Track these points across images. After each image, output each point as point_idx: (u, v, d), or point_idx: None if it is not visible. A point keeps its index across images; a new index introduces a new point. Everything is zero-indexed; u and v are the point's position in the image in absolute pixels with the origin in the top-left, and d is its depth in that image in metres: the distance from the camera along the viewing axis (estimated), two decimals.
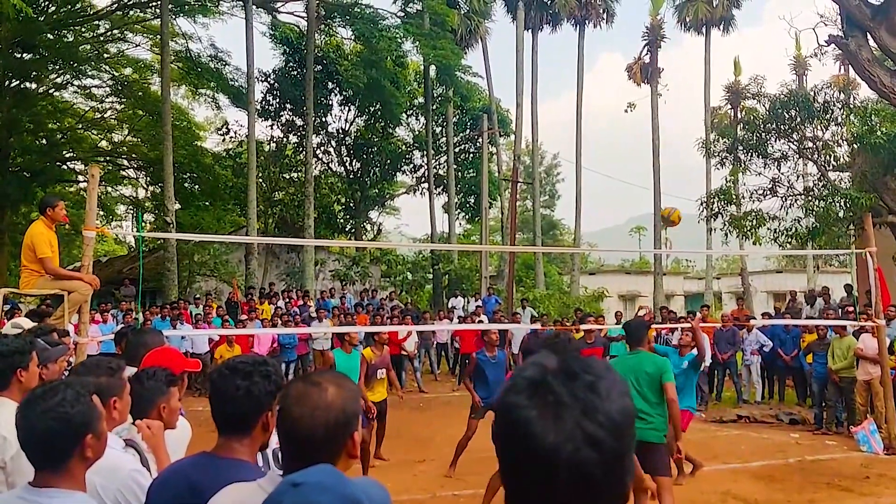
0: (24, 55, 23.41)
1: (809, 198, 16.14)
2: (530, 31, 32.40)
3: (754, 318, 15.52)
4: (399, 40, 27.21)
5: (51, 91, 26.05)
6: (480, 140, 30.53)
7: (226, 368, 2.15)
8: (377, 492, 1.46)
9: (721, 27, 33.21)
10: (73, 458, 2.04)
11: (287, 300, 18.61)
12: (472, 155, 34.09)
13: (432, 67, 29.18)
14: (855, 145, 15.17)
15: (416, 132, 34.20)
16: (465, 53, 32.20)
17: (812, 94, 15.78)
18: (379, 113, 31.01)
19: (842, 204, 14.90)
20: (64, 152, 26.70)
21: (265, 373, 2.13)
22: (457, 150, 32.88)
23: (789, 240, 16.22)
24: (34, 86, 25.08)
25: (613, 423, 1.01)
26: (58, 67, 24.98)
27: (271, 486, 1.68)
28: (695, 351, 7.88)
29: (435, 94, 31.42)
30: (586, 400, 1.02)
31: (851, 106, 15.42)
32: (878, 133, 14.13)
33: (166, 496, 2.09)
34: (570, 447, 0.99)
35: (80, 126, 27.27)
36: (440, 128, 32.81)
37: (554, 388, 1.03)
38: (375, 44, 25.87)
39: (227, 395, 2.08)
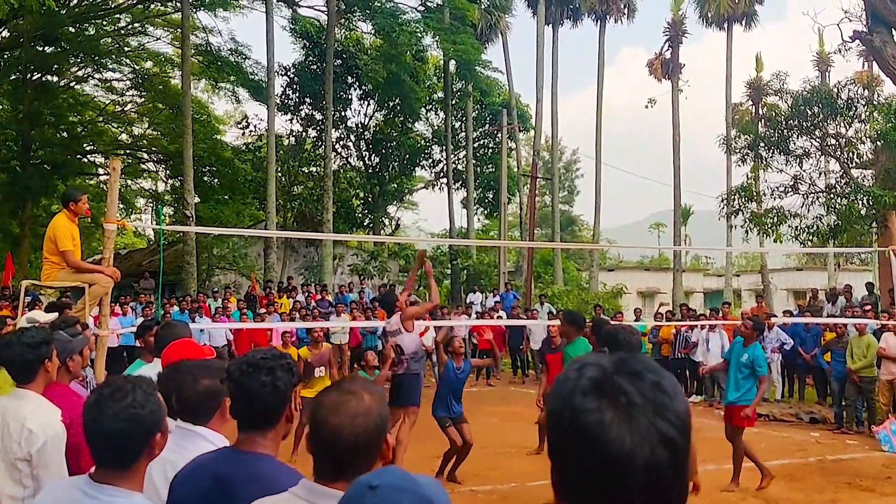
0: (46, 48, 23.67)
1: (831, 195, 15.94)
2: (551, 25, 32.21)
3: (775, 316, 15.37)
4: (419, 35, 27.17)
5: (72, 84, 26.32)
6: (500, 135, 30.43)
7: (247, 365, 2.12)
8: (441, 492, 1.44)
9: (743, 23, 32.84)
10: (142, 457, 2.06)
11: (306, 294, 18.68)
12: (491, 150, 33.99)
13: (452, 62, 29.12)
14: (878, 142, 14.97)
15: (436, 127, 34.16)
16: (485, 48, 32.12)
17: (835, 90, 15.59)
18: (398, 107, 30.99)
19: (864, 201, 14.70)
20: (84, 145, 26.96)
21: (287, 366, 2.14)
22: (476, 145, 32.81)
23: (810, 237, 16.05)
24: (55, 79, 25.35)
25: (682, 422, 1.01)
26: (79, 60, 25.23)
27: (305, 493, 1.70)
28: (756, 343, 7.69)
29: (454, 89, 31.36)
30: (656, 400, 1.00)
31: (875, 103, 15.22)
32: None
33: (190, 489, 2.10)
34: (648, 449, 0.97)
35: (100, 119, 27.52)
36: (459, 123, 32.74)
37: (624, 389, 1.01)
38: (395, 38, 25.83)
39: (253, 392, 2.07)
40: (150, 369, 4.03)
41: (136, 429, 2.02)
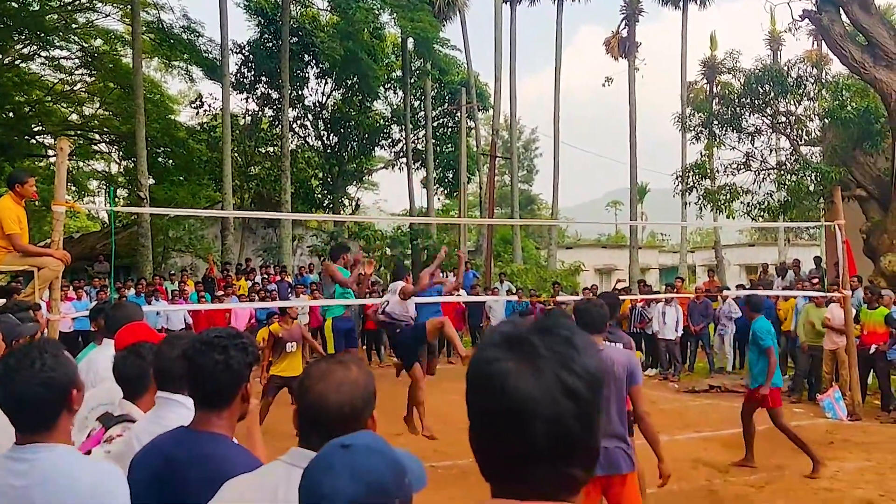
0: None
1: (782, 172, 16.35)
2: (509, 4, 32.17)
3: (728, 289, 15.78)
4: (376, 11, 26.89)
5: (17, 62, 25.42)
6: (459, 114, 30.40)
7: (201, 343, 2.13)
8: (414, 461, 1.49)
9: (698, 1, 33.22)
10: (62, 415, 2.07)
11: (265, 276, 18.53)
12: (450, 129, 33.93)
13: (410, 40, 28.92)
14: (826, 120, 15.38)
15: (394, 106, 33.94)
16: (444, 26, 31.92)
17: (786, 69, 15.92)
18: (356, 86, 30.68)
19: (812, 178, 15.13)
20: (32, 126, 26.17)
21: (241, 345, 2.14)
22: (435, 124, 32.71)
23: (762, 213, 16.45)
24: None
25: (590, 376, 1.03)
26: (23, 38, 24.34)
27: (290, 457, 1.74)
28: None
29: (413, 68, 31.17)
30: (564, 353, 1.03)
31: (823, 81, 15.60)
32: (849, 108, 14.34)
33: (144, 471, 2.11)
34: (549, 398, 0.99)
35: (48, 99, 26.66)
36: (418, 102, 32.59)
37: (531, 341, 1.04)
38: (352, 15, 25.53)
39: (206, 371, 2.08)
40: (103, 351, 4.01)
41: (52, 392, 2.03)
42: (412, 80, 31.17)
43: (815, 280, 12.75)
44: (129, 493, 2.03)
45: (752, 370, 7.55)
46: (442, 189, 35.32)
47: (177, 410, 2.42)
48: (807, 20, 15.12)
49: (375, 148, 35.13)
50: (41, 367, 2.03)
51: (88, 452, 2.88)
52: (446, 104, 33.46)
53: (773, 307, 13.64)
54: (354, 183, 36.69)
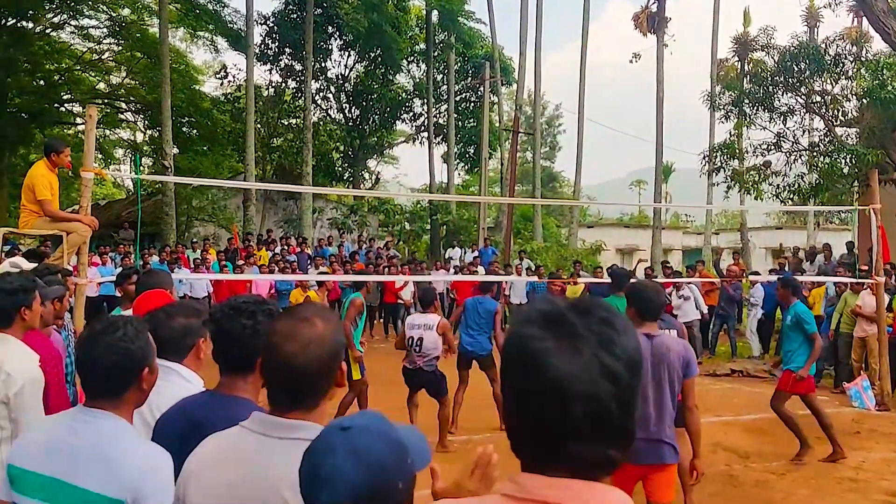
0: None
1: (814, 153, 15.96)
2: None
3: (756, 273, 15.53)
4: None
5: (48, 31, 25.59)
6: (482, 89, 30.07)
7: (229, 308, 2.17)
8: (417, 437, 1.47)
9: None
10: (130, 389, 2.13)
11: (285, 247, 18.59)
12: (472, 104, 33.62)
13: (434, 12, 28.62)
14: (864, 100, 14.89)
15: (417, 80, 33.68)
16: None
17: (823, 46, 15.43)
18: (379, 59, 30.48)
19: (847, 160, 14.73)
20: (62, 94, 26.41)
21: (268, 311, 2.16)
22: (457, 98, 32.42)
23: (791, 196, 16.11)
24: (31, 25, 24.62)
25: (629, 358, 1.03)
26: (54, 6, 24.49)
27: (257, 426, 1.69)
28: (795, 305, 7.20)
29: (437, 41, 30.86)
30: (603, 333, 1.03)
31: (863, 59, 15.09)
32: (889, 88, 13.84)
33: (169, 432, 2.14)
34: (587, 377, 0.99)
35: (77, 67, 26.88)
36: (441, 75, 32.30)
37: (571, 321, 1.03)
38: None
39: (233, 335, 2.11)
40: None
41: (126, 361, 2.10)
42: (436, 54, 30.88)
43: (838, 271, 12.47)
44: (173, 475, 2.04)
45: (792, 355, 7.12)
46: (463, 164, 35.12)
47: (173, 379, 2.46)
48: None
49: (397, 121, 35.00)
50: (122, 336, 2.11)
51: None
52: (469, 78, 33.13)
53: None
54: (375, 156, 36.61)
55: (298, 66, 28.47)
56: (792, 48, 15.56)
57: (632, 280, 6.80)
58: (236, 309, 2.15)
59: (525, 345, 1.04)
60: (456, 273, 17.68)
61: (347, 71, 31.86)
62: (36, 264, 5.36)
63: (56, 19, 25.47)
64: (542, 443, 1.04)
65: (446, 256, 20.91)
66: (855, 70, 14.90)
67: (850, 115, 15.85)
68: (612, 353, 1.01)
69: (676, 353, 4.10)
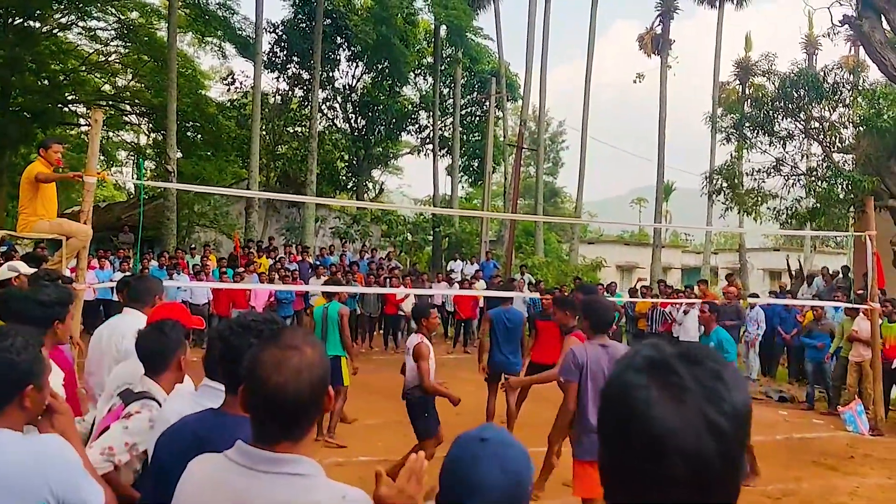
0: None
1: (812, 178, 16.09)
2: None
3: (754, 296, 15.57)
4: None
5: (55, 31, 25.70)
6: (487, 103, 30.25)
7: (238, 326, 2.14)
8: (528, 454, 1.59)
9: (735, 1, 32.72)
10: (12, 404, 2.03)
11: (287, 255, 18.64)
12: (478, 118, 33.82)
13: (443, 27, 28.80)
14: (861, 128, 15.06)
15: (423, 92, 33.88)
16: (477, 14, 31.78)
17: (822, 74, 15.62)
18: (387, 71, 30.66)
19: (844, 186, 14.85)
20: (66, 94, 26.45)
21: (276, 331, 2.07)
22: (463, 112, 32.61)
23: (789, 219, 16.22)
24: (38, 24, 24.74)
25: (737, 414, 0.97)
26: (62, 7, 24.60)
27: (244, 458, 1.63)
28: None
29: (444, 55, 31.05)
30: (711, 387, 0.97)
31: (860, 88, 15.28)
32: (885, 117, 14.02)
33: (174, 447, 2.11)
34: (692, 433, 0.94)
35: (83, 68, 26.96)
36: (448, 89, 32.50)
37: (678, 371, 0.99)
38: (387, 0, 25.49)
39: (240, 354, 2.02)
40: (123, 319, 4.04)
41: (8, 373, 2.01)
42: (443, 68, 31.07)
43: (837, 296, 12.54)
44: (77, 459, 2.04)
45: None
46: (466, 177, 35.27)
47: (219, 401, 2.37)
48: (846, 26, 14.85)
49: (402, 133, 35.14)
50: (7, 347, 2.02)
51: (107, 428, 2.91)
52: (475, 93, 33.34)
53: (796, 314, 13.51)
54: (379, 167, 36.71)
55: (306, 75, 28.63)
56: (792, 75, 15.74)
57: (591, 296, 6.71)
58: (244, 327, 2.13)
59: (627, 392, 0.99)
60: (458, 286, 17.72)
61: (354, 81, 32.05)
62: (35, 269, 5.39)
63: (64, 20, 25.57)
64: (638, 491, 0.99)
65: (448, 269, 20.96)
66: (852, 98, 15.08)
67: (847, 141, 16.02)
68: (719, 408, 0.96)
69: None
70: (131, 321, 3.84)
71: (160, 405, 2.81)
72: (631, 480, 0.99)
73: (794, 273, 18.41)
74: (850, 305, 11.20)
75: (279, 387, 1.57)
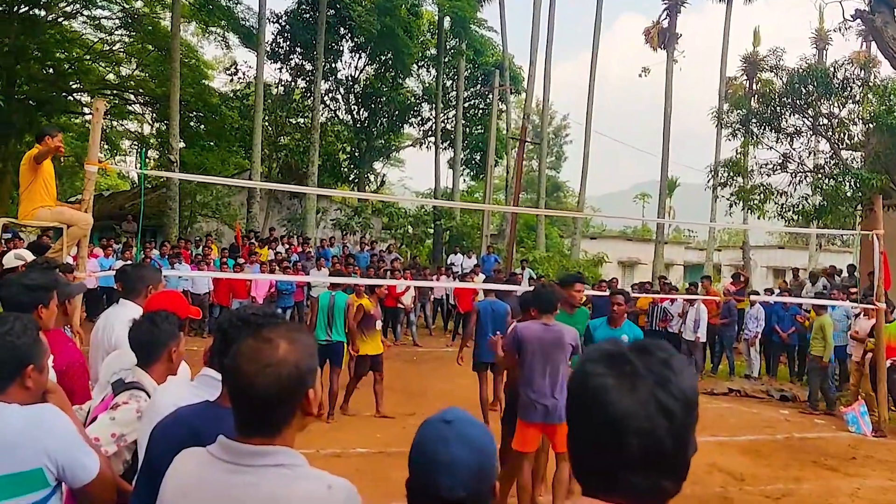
0: None
1: (819, 175, 15.96)
2: None
3: (756, 293, 15.49)
4: None
5: (59, 19, 25.66)
6: (490, 96, 30.11)
7: (238, 319, 2.16)
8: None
9: None
10: (14, 384, 2.19)
11: (287, 246, 18.60)
12: (481, 111, 33.68)
13: (447, 19, 28.67)
14: (871, 125, 14.91)
15: (426, 84, 33.74)
16: (481, 7, 31.58)
17: (832, 69, 15.45)
18: (390, 62, 30.53)
19: (851, 183, 14.72)
20: (70, 83, 26.43)
21: (275, 325, 2.09)
22: (466, 105, 32.46)
23: (795, 216, 16.09)
24: (43, 13, 24.69)
25: (685, 397, 1.11)
26: None
27: (224, 453, 1.63)
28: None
29: (448, 47, 30.91)
30: (661, 373, 1.11)
31: (871, 84, 15.10)
32: None
33: (169, 440, 2.08)
34: (644, 414, 1.08)
35: (87, 57, 26.92)
36: (451, 81, 32.36)
37: (631, 360, 1.13)
38: None
39: None
40: (120, 310, 3.99)
41: (8, 356, 2.18)
42: (446, 60, 30.92)
43: (854, 291, 12.40)
44: (71, 425, 2.19)
45: None
46: (468, 170, 35.15)
47: (216, 392, 2.32)
48: (858, 20, 14.69)
49: (405, 125, 35.04)
50: (7, 331, 2.18)
51: (95, 419, 2.87)
52: (479, 85, 33.19)
53: (798, 313, 13.43)
54: (381, 159, 36.63)
55: (309, 66, 28.53)
56: (800, 70, 15.57)
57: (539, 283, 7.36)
58: (244, 320, 2.11)
59: (588, 381, 1.13)
60: (458, 279, 17.66)
61: (357, 73, 31.93)
62: (40, 257, 5.36)
63: (69, 9, 25.54)
64: (600, 471, 1.12)
65: (448, 262, 20.89)
66: (862, 95, 14.90)
67: (855, 139, 15.85)
68: (668, 391, 1.09)
69: (570, 336, 5.42)
70: (123, 312, 3.81)
71: (150, 396, 2.76)
72: (593, 458, 1.13)
73: (796, 276, 18.28)
74: (854, 304, 11.11)
75: (249, 377, 1.58)
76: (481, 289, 15.05)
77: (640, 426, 1.07)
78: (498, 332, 7.24)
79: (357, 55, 31.38)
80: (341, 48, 30.53)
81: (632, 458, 1.07)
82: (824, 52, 30.26)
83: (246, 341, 1.65)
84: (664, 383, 1.09)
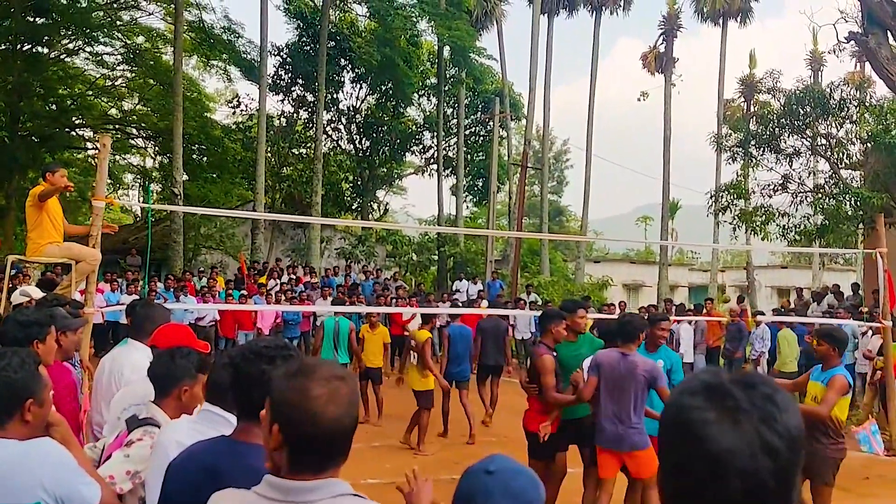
0: (37, 19, 23.32)
1: (820, 195, 16.00)
2: (546, 15, 32.08)
3: (762, 313, 15.46)
4: (414, 19, 27.02)
5: (62, 56, 25.98)
6: (491, 123, 30.35)
7: (250, 353, 2.12)
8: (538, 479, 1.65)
9: (738, 19, 32.88)
10: (13, 420, 2.21)
11: (293, 276, 18.62)
12: (482, 138, 33.92)
13: (446, 48, 28.97)
14: (868, 144, 15.00)
15: (427, 113, 34.02)
16: (480, 35, 31.99)
17: (828, 90, 15.59)
18: (391, 92, 30.83)
19: (852, 202, 14.77)
20: (73, 119, 26.67)
21: (288, 357, 2.10)
22: (467, 132, 32.71)
23: (797, 236, 16.12)
24: (46, 50, 25.01)
25: (790, 435, 1.03)
26: (70, 33, 24.89)
27: (271, 491, 1.60)
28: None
29: (448, 75, 31.22)
30: (765, 409, 1.03)
31: (867, 104, 15.24)
32: (893, 132, 13.98)
33: (184, 479, 2.06)
34: (748, 453, 1.00)
35: (90, 93, 27.20)
36: (451, 109, 32.63)
37: (733, 394, 1.05)
38: (390, 22, 25.68)
39: (253, 380, 2.03)
40: (128, 351, 3.99)
41: (5, 390, 2.20)
42: (446, 88, 31.22)
43: (861, 309, 12.40)
44: (69, 457, 2.19)
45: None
46: (471, 197, 35.30)
47: (220, 428, 2.33)
48: (852, 42, 14.84)
49: (407, 153, 35.27)
50: (4, 366, 2.19)
51: (109, 456, 2.87)
52: (479, 113, 33.46)
53: (805, 333, 13.38)
54: (384, 187, 36.80)
55: (310, 97, 28.81)
56: (797, 91, 15.71)
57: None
58: (257, 353, 2.09)
59: (686, 415, 1.05)
60: (463, 306, 17.63)
61: (359, 103, 32.22)
62: (45, 294, 5.38)
63: (71, 45, 25.85)
64: None
65: (453, 289, 20.89)
66: (859, 114, 15.02)
67: (854, 158, 15.95)
68: (773, 429, 1.02)
69: (644, 368, 5.45)
70: (131, 355, 3.84)
71: None
72: (689, 498, 1.05)
73: (800, 295, 18.26)
74: (859, 323, 11.10)
75: (337, 419, 1.56)
76: (485, 314, 15.10)
77: (742, 466, 1.00)
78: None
79: (358, 85, 31.70)
80: (342, 79, 30.85)
81: (732, 500, 1.00)
82: (819, 73, 30.58)
83: (313, 383, 1.58)
84: (769, 420, 1.02)
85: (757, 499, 1.00)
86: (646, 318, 6.45)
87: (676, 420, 1.06)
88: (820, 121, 15.66)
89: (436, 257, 29.06)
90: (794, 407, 1.06)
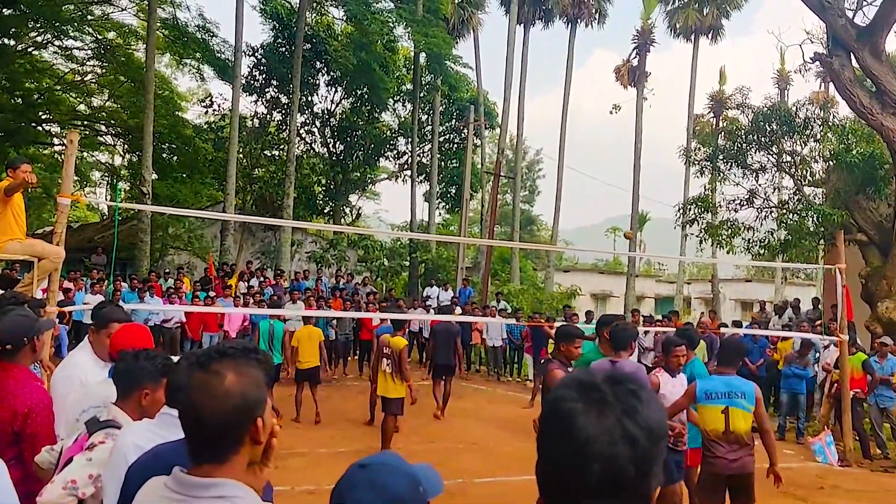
0: (4, 10, 22.86)
1: (784, 211, 16.38)
2: (522, 25, 32.38)
3: (725, 326, 15.72)
4: (391, 24, 27.06)
5: (30, 49, 25.50)
6: (466, 131, 30.45)
7: (215, 352, 2.08)
8: (433, 474, 1.62)
9: (710, 36, 33.48)
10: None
11: (261, 279, 18.49)
12: (456, 145, 34.04)
13: (423, 55, 29.06)
14: (831, 162, 15.43)
15: (402, 119, 34.05)
16: (457, 43, 32.13)
17: (794, 108, 15.99)
18: (366, 96, 30.81)
19: (814, 219, 15.15)
20: (40, 113, 26.21)
21: (255, 360, 1.99)
22: (441, 139, 32.81)
23: (762, 250, 16.46)
24: (12, 42, 24.52)
25: (650, 428, 1.12)
26: (38, 26, 24.43)
27: (178, 485, 1.66)
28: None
29: (423, 82, 31.30)
30: (629, 402, 1.13)
31: (830, 123, 15.66)
32: (854, 152, 14.40)
33: (145, 478, 2.00)
34: (607, 440, 1.09)
35: (58, 88, 26.74)
36: (426, 116, 32.70)
37: (601, 388, 1.15)
38: (367, 26, 25.69)
39: None
40: (80, 353, 3.92)
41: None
42: (422, 95, 31.29)
43: (818, 322, 12.69)
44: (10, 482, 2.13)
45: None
46: (444, 204, 35.37)
47: (177, 431, 2.34)
48: (817, 63, 15.20)
49: (380, 158, 35.23)
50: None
51: (70, 459, 2.82)
52: (454, 120, 33.57)
53: (766, 345, 13.63)
54: (357, 192, 36.71)
55: (284, 99, 28.65)
56: (765, 109, 16.09)
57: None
58: (222, 353, 2.01)
59: (558, 405, 1.15)
60: (436, 313, 17.66)
61: (333, 106, 32.13)
62: (3, 291, 5.27)
63: (39, 38, 25.38)
64: (564, 497, 1.13)
65: (424, 295, 20.90)
66: (822, 133, 15.45)
67: (817, 175, 16.37)
68: (634, 420, 1.11)
69: (632, 373, 5.26)
70: (85, 358, 3.75)
71: None
72: (559, 483, 1.14)
73: (763, 308, 18.61)
74: (818, 337, 11.35)
75: (196, 409, 1.63)
76: (456, 321, 15.16)
77: (602, 451, 1.08)
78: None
79: (333, 89, 31.62)
80: (317, 82, 30.75)
81: (593, 484, 1.08)
82: (786, 91, 31.22)
83: (195, 375, 1.68)
84: (631, 412, 1.11)
85: (616, 484, 1.09)
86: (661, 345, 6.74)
87: (551, 410, 1.16)
88: (786, 138, 16.05)
89: (407, 263, 29.06)
90: (658, 404, 1.17)
